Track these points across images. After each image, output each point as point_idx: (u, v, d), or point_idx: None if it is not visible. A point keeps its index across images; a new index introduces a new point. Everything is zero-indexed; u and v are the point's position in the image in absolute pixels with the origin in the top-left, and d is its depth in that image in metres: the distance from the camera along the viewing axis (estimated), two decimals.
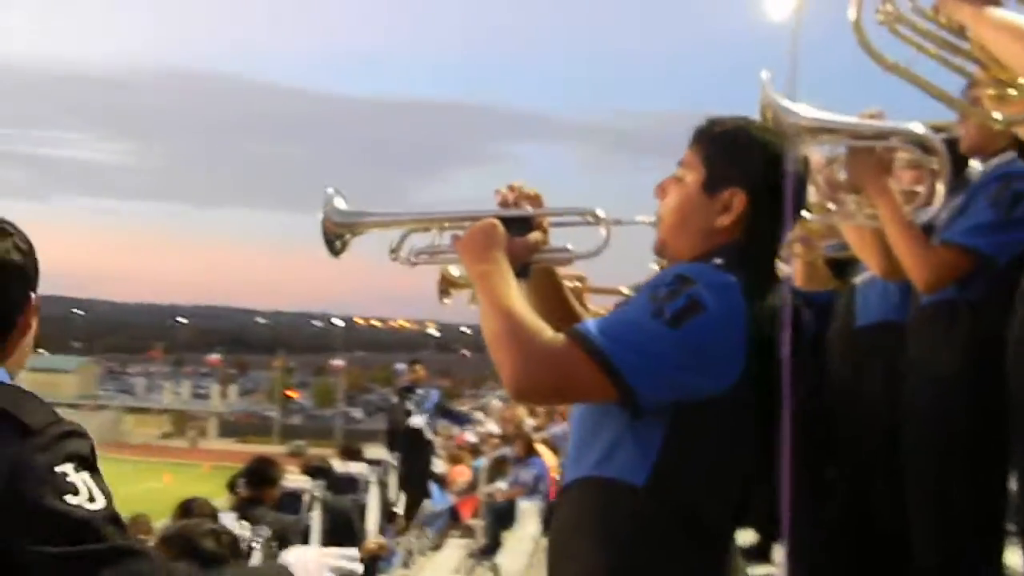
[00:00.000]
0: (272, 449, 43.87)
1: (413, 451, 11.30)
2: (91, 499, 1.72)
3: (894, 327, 3.21)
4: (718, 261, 1.94)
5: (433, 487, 11.64)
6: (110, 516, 1.74)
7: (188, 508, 5.17)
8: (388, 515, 9.11)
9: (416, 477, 11.20)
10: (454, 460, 13.39)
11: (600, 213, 2.14)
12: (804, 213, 2.57)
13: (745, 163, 2.02)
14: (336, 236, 2.12)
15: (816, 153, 2.84)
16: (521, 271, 2.04)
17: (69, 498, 1.70)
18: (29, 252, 1.94)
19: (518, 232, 2.06)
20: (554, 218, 2.17)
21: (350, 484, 8.26)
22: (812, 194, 2.78)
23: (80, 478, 1.74)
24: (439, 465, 12.70)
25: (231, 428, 64.84)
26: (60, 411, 1.82)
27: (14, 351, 1.93)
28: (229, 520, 5.55)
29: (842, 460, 3.47)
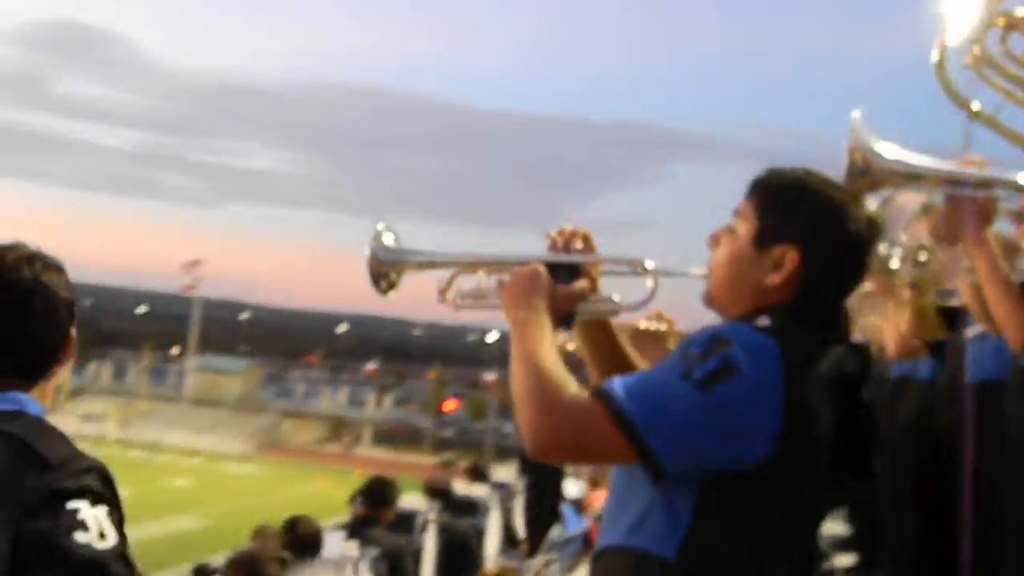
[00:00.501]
0: (423, 460, 44.73)
1: (545, 473, 11.26)
2: (101, 536, 1.76)
3: (1003, 386, 3.01)
4: (763, 322, 1.83)
5: (568, 511, 11.57)
6: (119, 555, 1.77)
7: (294, 525, 5.26)
8: (511, 540, 9.06)
9: (546, 500, 11.14)
10: (594, 484, 13.29)
11: (649, 264, 2.06)
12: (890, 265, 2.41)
13: (800, 218, 1.90)
14: (381, 274, 2.08)
15: (910, 201, 2.68)
16: (564, 320, 1.99)
17: (78, 535, 1.74)
18: (70, 286, 2.04)
19: (565, 279, 2.00)
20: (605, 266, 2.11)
21: (470, 507, 8.25)
22: (905, 244, 2.64)
23: (93, 514, 1.77)
24: (577, 489, 12.62)
25: (385, 436, 66.19)
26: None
27: (48, 382, 2.02)
28: (336, 540, 5.62)
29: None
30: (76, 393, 74.05)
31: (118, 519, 1.83)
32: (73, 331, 2.05)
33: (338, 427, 66.84)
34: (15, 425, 1.86)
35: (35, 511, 1.75)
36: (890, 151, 2.43)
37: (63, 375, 2.06)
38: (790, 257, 1.87)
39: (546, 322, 1.91)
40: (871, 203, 2.32)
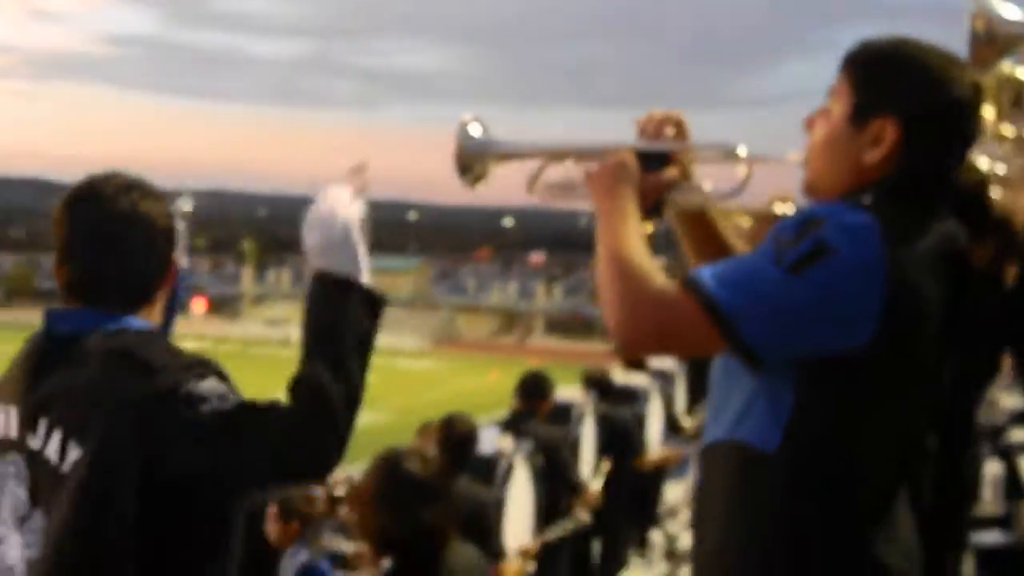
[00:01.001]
0: (595, 348, 45.06)
1: (705, 359, 11.18)
2: (222, 399, 1.87)
3: None
4: (865, 200, 1.73)
5: None
6: (249, 407, 1.90)
7: (449, 424, 5.37)
8: (673, 426, 9.09)
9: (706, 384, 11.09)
10: None
11: (741, 151, 1.97)
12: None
13: (897, 89, 1.78)
14: (468, 167, 2.05)
15: None
16: (653, 210, 1.93)
17: (202, 407, 1.85)
18: (171, 213, 2.11)
19: (654, 167, 1.94)
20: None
21: (630, 396, 8.27)
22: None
23: (206, 387, 1.88)
24: None
25: (557, 326, 66.93)
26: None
27: (155, 307, 2.10)
28: (490, 435, 5.72)
29: None
30: (259, 299, 77.57)
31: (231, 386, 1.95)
32: (175, 256, 2.13)
33: (510, 319, 67.94)
34: (118, 339, 1.96)
35: (150, 411, 1.85)
36: (1014, 13, 2.25)
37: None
38: (888, 130, 1.76)
39: (632, 212, 1.86)
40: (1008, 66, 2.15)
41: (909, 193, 1.77)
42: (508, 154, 2.06)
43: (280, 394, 1.92)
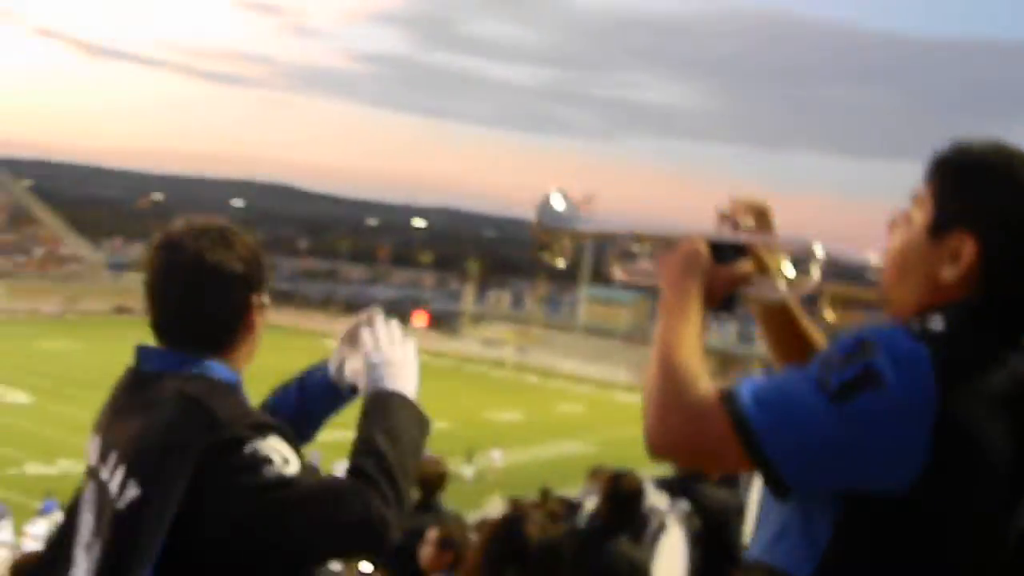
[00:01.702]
0: None
1: None
2: (286, 462, 1.86)
3: None
4: (935, 324, 1.55)
5: None
6: (308, 468, 1.91)
7: (616, 480, 5.24)
8: None
9: None
10: None
11: (818, 251, 1.81)
12: None
13: (980, 202, 1.59)
14: (543, 245, 1.97)
15: None
16: (724, 304, 1.80)
17: (265, 469, 1.83)
18: (251, 258, 2.13)
19: (729, 259, 1.80)
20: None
21: None
22: None
23: (270, 446, 1.87)
24: None
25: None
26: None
27: (238, 349, 2.13)
28: (648, 489, 5.44)
29: None
30: (477, 318, 79.29)
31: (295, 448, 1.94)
32: (256, 299, 2.14)
33: (727, 362, 66.95)
34: (193, 386, 1.98)
35: (211, 464, 1.84)
36: None
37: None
38: (967, 247, 1.58)
39: (694, 308, 1.73)
40: None
41: (985, 319, 1.57)
42: (587, 233, 1.97)
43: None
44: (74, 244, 77.03)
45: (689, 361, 1.64)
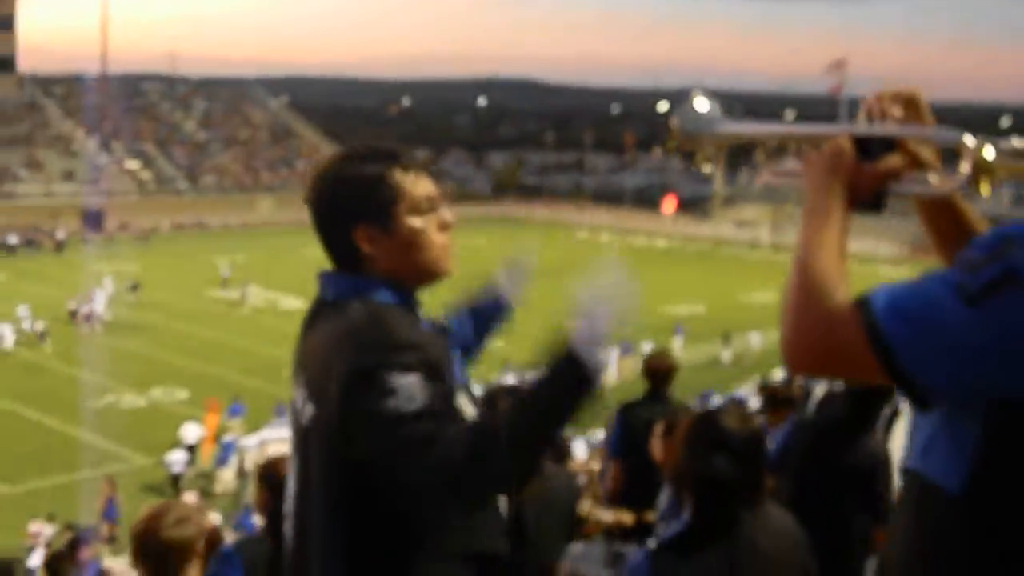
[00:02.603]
0: None
1: None
2: (410, 399, 1.93)
3: None
4: None
5: None
6: (426, 413, 1.93)
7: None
8: None
9: None
10: None
11: (968, 141, 1.66)
12: None
13: None
14: (687, 151, 1.88)
15: None
16: (872, 203, 1.69)
17: (389, 401, 1.92)
18: (395, 176, 2.19)
19: (876, 154, 1.68)
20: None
21: None
22: None
23: (402, 382, 1.95)
24: None
25: None
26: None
27: (403, 270, 2.21)
28: None
29: None
30: (729, 201, 77.99)
31: (441, 390, 1.99)
32: (407, 220, 2.18)
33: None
34: (355, 312, 2.10)
35: (352, 386, 1.97)
36: None
37: None
38: None
39: (836, 209, 1.64)
40: None
41: None
42: (731, 136, 1.87)
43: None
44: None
45: (828, 268, 1.58)
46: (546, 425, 1.98)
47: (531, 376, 2.04)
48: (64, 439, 23.63)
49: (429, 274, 2.24)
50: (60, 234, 53.68)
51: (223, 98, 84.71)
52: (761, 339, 33.77)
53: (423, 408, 1.94)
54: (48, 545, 16.38)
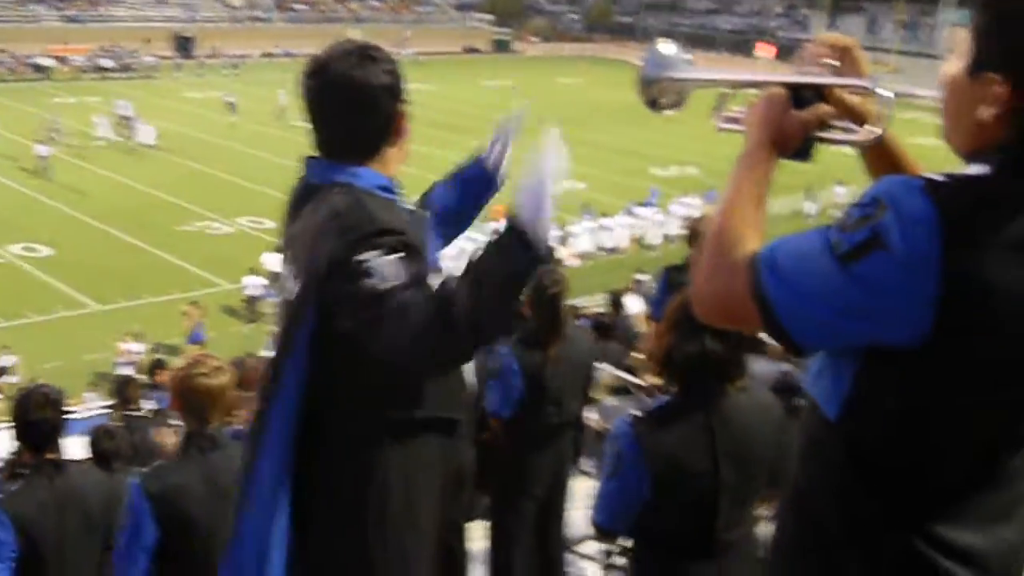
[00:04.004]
0: None
1: None
2: (384, 279, 2.12)
3: None
4: (975, 168, 1.54)
5: None
6: (402, 287, 2.11)
7: None
8: None
9: None
10: None
11: (881, 91, 1.77)
12: None
13: (1011, 41, 1.52)
14: (651, 98, 1.93)
15: None
16: (801, 151, 1.76)
17: (364, 281, 2.12)
18: (393, 70, 2.38)
19: (809, 102, 1.75)
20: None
21: None
22: None
23: (379, 262, 2.13)
24: None
25: None
26: None
27: (390, 153, 2.41)
28: None
29: None
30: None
31: (416, 269, 2.16)
32: (400, 108, 2.39)
33: None
34: (341, 196, 2.29)
35: (334, 268, 2.16)
36: None
37: None
38: (1000, 90, 1.52)
39: (761, 158, 1.73)
40: None
41: (1017, 163, 1.51)
42: (687, 81, 1.91)
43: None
44: None
45: (743, 219, 1.69)
46: (498, 294, 2.10)
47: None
48: (154, 261, 24.43)
49: (404, 157, 2.48)
50: (149, 59, 54.24)
51: None
52: (846, 192, 33.27)
53: (397, 286, 2.11)
54: (133, 364, 17.18)
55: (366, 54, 2.37)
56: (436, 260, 2.49)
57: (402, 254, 2.16)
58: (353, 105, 2.36)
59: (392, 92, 2.39)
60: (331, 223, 2.23)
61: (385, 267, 2.14)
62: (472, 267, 2.12)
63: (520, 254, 2.07)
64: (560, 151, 2.09)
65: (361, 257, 2.15)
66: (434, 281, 2.16)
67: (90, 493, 3.93)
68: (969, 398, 1.57)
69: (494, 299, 2.10)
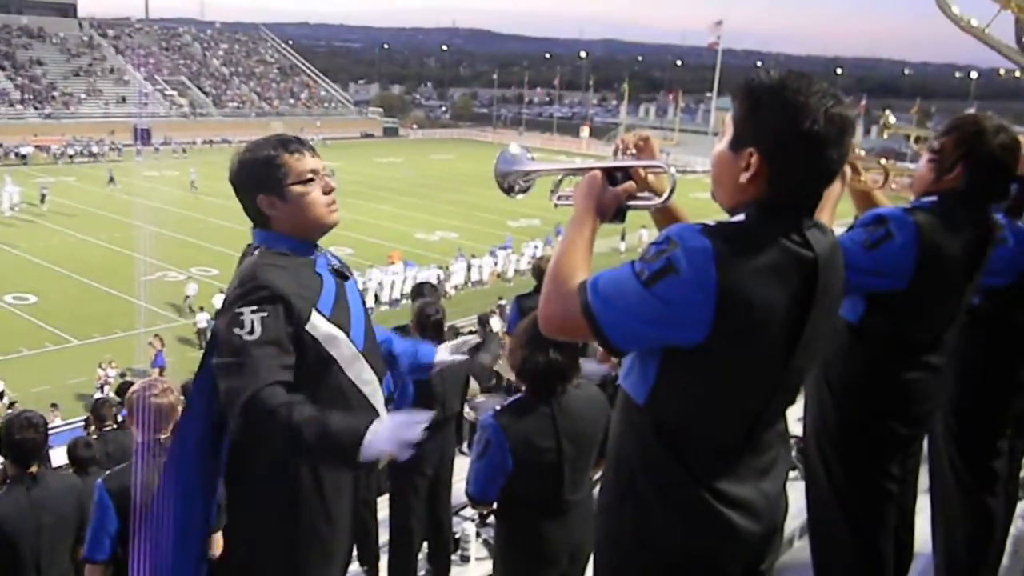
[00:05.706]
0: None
1: None
2: (251, 332, 2.00)
3: None
4: (739, 217, 1.65)
5: None
6: (261, 343, 1.99)
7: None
8: None
9: None
10: None
11: (663, 167, 1.87)
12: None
13: (761, 124, 1.62)
14: (506, 185, 1.96)
15: None
16: (617, 215, 1.84)
17: (236, 330, 2.02)
18: (256, 164, 2.23)
19: (620, 181, 1.83)
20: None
21: None
22: None
23: (251, 317, 2.02)
24: None
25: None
26: None
27: (279, 221, 2.24)
28: None
29: None
30: (630, 128, 77.30)
31: (281, 323, 2.04)
32: (266, 197, 2.22)
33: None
34: (253, 253, 2.21)
35: (223, 311, 2.08)
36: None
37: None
38: (755, 159, 1.62)
39: (588, 221, 1.79)
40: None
41: (777, 211, 1.63)
42: (533, 172, 1.97)
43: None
44: (328, 87, 78.53)
45: (574, 261, 1.74)
46: (317, 448, 1.91)
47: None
48: (124, 304, 23.42)
49: (319, 226, 2.28)
50: (111, 147, 51.82)
51: (242, 40, 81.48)
52: (648, 234, 34.02)
53: (255, 340, 2.00)
54: (106, 385, 16.51)
55: (248, 147, 2.28)
56: (357, 310, 2.32)
57: (265, 313, 2.04)
58: (238, 192, 2.28)
59: (264, 170, 2.24)
60: (236, 277, 2.15)
61: (252, 320, 2.02)
62: (329, 424, 1.93)
63: (352, 454, 1.90)
64: (414, 430, 1.91)
65: (238, 308, 2.05)
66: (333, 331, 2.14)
67: (64, 495, 3.77)
68: (737, 384, 1.65)
69: (315, 448, 1.92)
